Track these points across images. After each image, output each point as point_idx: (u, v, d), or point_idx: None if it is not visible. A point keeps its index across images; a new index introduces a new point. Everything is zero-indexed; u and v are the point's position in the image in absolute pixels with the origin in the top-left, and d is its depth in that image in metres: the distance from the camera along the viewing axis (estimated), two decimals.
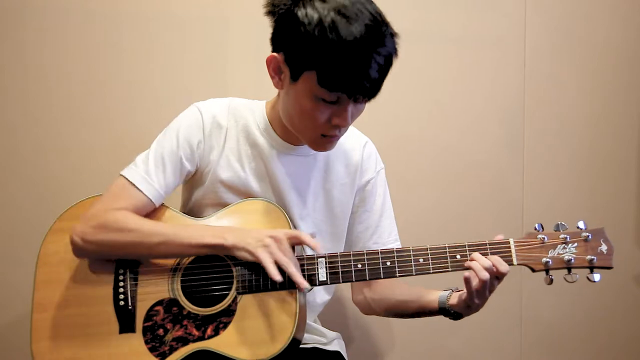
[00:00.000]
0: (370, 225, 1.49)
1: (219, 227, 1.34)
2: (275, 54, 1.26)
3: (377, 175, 1.50)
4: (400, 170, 1.86)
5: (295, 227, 1.40)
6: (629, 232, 2.01)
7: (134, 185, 1.34)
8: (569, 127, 1.98)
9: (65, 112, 1.74)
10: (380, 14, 1.22)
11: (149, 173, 1.35)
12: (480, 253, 1.27)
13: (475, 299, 1.27)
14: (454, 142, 1.92)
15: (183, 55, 1.78)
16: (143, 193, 1.34)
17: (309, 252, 1.40)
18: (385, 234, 1.49)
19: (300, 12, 1.19)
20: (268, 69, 1.29)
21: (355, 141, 1.49)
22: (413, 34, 1.82)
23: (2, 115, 1.74)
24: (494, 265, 1.24)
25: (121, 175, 1.36)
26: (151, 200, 1.35)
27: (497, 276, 1.25)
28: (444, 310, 1.37)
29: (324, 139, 1.31)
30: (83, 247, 1.31)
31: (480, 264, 1.25)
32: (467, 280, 1.25)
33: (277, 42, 1.26)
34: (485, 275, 1.23)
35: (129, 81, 1.76)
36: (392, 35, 1.23)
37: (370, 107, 1.74)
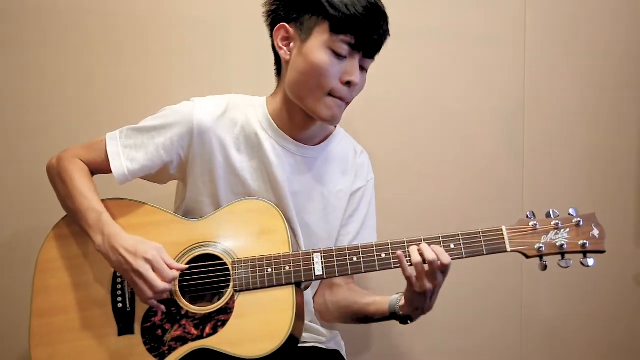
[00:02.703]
0: (350, 231, 1.50)
1: (116, 235, 1.32)
2: (283, 23, 1.35)
3: (367, 185, 1.53)
4: (400, 170, 1.86)
5: (291, 228, 1.41)
6: (629, 232, 2.00)
7: (107, 157, 1.38)
8: (569, 127, 1.97)
9: (65, 114, 1.74)
10: None
11: (126, 152, 1.38)
12: (473, 242, 1.27)
13: (414, 294, 1.27)
14: (454, 141, 1.91)
15: (184, 56, 1.78)
16: (110, 168, 1.38)
17: (304, 247, 1.42)
18: None
19: None
20: (275, 40, 1.36)
21: (351, 148, 1.52)
22: (413, 32, 1.84)
23: (2, 116, 1.73)
24: (435, 254, 1.24)
25: (105, 138, 1.41)
26: (115, 177, 1.39)
27: (441, 270, 1.24)
28: (394, 315, 1.37)
29: (332, 101, 1.33)
30: (48, 170, 1.44)
31: (419, 249, 1.26)
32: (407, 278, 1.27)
33: (281, 17, 1.35)
34: (417, 258, 1.24)
35: (130, 82, 1.76)
36: None
37: (370, 105, 1.79)
